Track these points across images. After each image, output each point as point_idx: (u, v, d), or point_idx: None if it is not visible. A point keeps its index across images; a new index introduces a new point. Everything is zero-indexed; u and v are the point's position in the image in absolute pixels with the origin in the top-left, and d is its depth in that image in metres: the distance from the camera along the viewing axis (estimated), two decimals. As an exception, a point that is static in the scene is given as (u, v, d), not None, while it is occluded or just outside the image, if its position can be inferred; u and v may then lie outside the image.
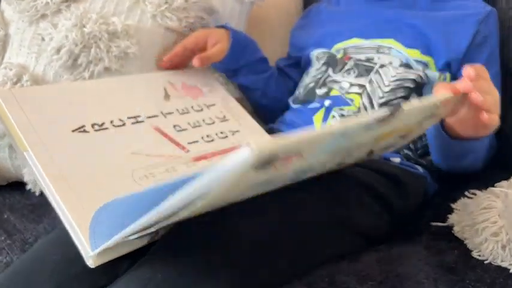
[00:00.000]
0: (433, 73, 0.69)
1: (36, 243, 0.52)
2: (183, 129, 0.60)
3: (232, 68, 0.76)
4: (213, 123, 0.64)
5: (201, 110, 0.65)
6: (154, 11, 0.72)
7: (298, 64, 0.85)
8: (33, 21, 0.73)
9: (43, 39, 0.71)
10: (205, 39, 0.71)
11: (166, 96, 0.65)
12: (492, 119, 0.50)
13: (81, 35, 0.68)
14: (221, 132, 0.62)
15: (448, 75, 0.70)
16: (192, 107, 0.65)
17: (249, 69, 0.78)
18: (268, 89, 0.81)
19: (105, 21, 0.70)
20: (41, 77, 0.71)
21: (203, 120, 0.63)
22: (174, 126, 0.60)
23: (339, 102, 0.69)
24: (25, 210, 0.69)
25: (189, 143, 0.57)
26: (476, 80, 0.48)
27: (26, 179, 0.70)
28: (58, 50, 0.69)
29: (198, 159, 0.56)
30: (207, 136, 0.60)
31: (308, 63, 0.81)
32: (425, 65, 0.70)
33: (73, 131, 0.53)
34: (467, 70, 0.48)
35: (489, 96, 0.49)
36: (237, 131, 0.64)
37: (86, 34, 0.68)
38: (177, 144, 0.56)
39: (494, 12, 0.72)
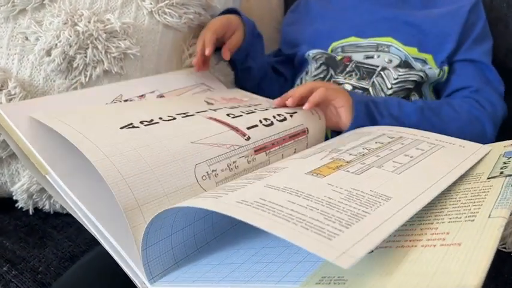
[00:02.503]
0: (432, 71, 0.71)
1: (65, 275, 0.47)
2: (237, 116, 0.54)
3: (246, 53, 0.74)
4: (267, 109, 0.59)
5: (249, 106, 0.61)
6: (153, 7, 0.67)
7: (289, 61, 0.83)
8: (10, 18, 0.64)
9: (26, 38, 0.63)
10: (228, 27, 0.70)
11: (210, 104, 0.61)
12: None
13: (75, 35, 0.61)
14: (278, 115, 0.57)
15: (446, 68, 0.72)
16: (238, 105, 0.60)
17: (258, 51, 0.77)
18: (264, 82, 0.80)
19: (100, 19, 0.64)
20: (28, 82, 0.62)
21: (255, 109, 0.58)
22: (228, 114, 0.54)
23: None
24: (20, 233, 0.61)
25: (248, 128, 0.52)
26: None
27: (17, 196, 0.62)
28: (48, 52, 0.61)
29: (259, 150, 0.50)
30: (265, 119, 0.54)
31: (303, 63, 0.80)
32: (424, 62, 0.72)
33: (121, 127, 0.47)
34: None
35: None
36: (294, 112, 0.59)
37: (80, 33, 0.61)
38: (236, 129, 0.51)
39: (480, 1, 0.76)
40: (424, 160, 0.44)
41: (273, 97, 0.78)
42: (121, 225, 0.43)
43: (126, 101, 0.59)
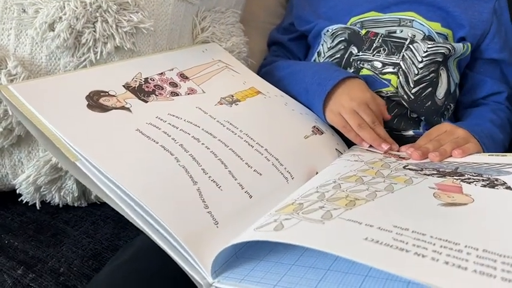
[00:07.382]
0: (456, 44, 0.69)
1: (98, 278, 0.41)
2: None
3: None
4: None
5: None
6: (165, -23, 0.60)
7: (303, 37, 0.79)
8: (2, -13, 0.56)
9: (24, 10, 0.55)
10: None
11: None
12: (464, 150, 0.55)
13: (82, 6, 0.54)
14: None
15: (469, 44, 0.70)
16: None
17: None
18: None
19: (107, -11, 0.57)
20: (29, 61, 0.55)
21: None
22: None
23: (374, 83, 0.65)
24: (28, 230, 0.55)
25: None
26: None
27: (21, 190, 0.55)
28: (51, 26, 0.54)
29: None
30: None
31: (316, 39, 0.75)
32: (445, 37, 0.70)
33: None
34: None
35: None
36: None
37: (87, 5, 0.54)
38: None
39: None
40: None
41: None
42: (173, 212, 0.38)
43: (146, 79, 0.53)
